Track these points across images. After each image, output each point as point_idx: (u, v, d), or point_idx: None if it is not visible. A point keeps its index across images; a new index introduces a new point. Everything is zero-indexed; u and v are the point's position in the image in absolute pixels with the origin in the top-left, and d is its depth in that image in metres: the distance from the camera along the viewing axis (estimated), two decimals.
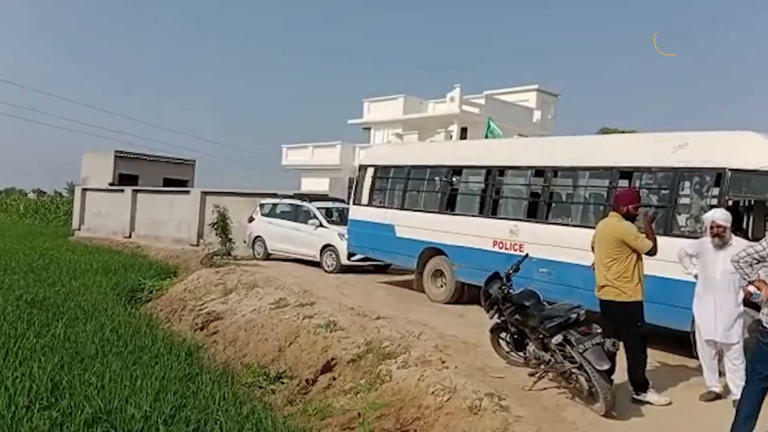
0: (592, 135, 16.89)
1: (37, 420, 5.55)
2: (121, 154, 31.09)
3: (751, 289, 5.33)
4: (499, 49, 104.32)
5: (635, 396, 5.78)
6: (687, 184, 7.56)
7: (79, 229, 28.33)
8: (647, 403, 5.73)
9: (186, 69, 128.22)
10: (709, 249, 5.81)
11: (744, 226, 7.90)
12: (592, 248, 6.15)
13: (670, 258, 6.30)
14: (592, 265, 6.12)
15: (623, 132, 28.93)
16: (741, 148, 6.97)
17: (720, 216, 5.76)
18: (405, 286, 12.26)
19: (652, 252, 5.68)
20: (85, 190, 29.09)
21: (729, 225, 5.72)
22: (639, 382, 5.78)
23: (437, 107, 33.78)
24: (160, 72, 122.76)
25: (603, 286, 5.80)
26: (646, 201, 7.59)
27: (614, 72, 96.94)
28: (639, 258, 5.73)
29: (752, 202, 8.08)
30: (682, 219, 7.56)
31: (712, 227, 5.74)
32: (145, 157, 32.31)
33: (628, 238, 5.66)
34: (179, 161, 34.16)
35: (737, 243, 5.73)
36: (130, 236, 24.92)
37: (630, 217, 5.85)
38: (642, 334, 5.77)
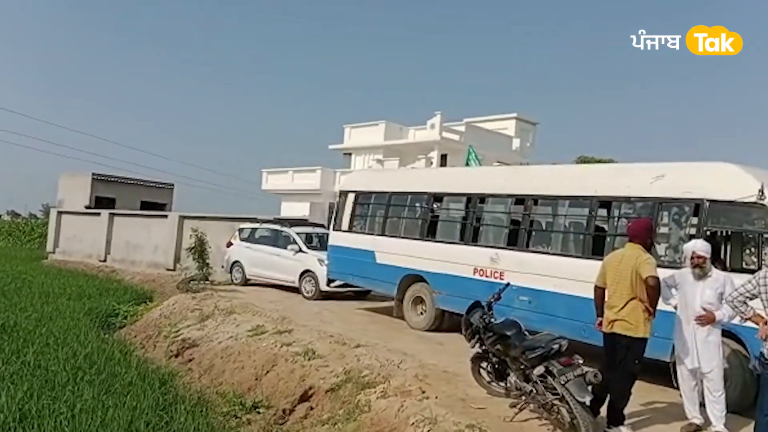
0: (570, 164, 17.12)
1: None
2: (99, 177, 30.77)
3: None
4: (479, 77, 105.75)
5: (607, 430, 5.69)
6: (666, 214, 7.62)
7: (53, 252, 27.86)
8: None
9: (165, 92, 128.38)
10: (689, 279, 5.83)
11: (722, 256, 7.99)
12: (596, 288, 5.90)
13: None
14: (599, 302, 5.87)
15: (600, 161, 29.35)
16: (719, 179, 7.06)
17: (700, 246, 5.80)
18: (385, 312, 12.17)
19: (651, 291, 5.47)
20: (60, 212, 28.68)
21: (708, 255, 5.76)
22: (616, 416, 5.70)
23: (418, 134, 34.02)
24: (138, 95, 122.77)
25: (614, 321, 5.63)
26: (624, 231, 7.62)
27: (592, 102, 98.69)
28: None
29: (730, 233, 8.17)
30: (661, 249, 7.60)
31: (692, 257, 5.77)
32: (122, 180, 32.04)
33: (641, 263, 5.50)
34: (157, 184, 33.93)
35: (716, 274, 5.78)
36: (105, 260, 24.55)
37: (648, 247, 5.78)
38: (636, 371, 5.69)
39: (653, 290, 5.45)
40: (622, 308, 5.58)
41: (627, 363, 5.60)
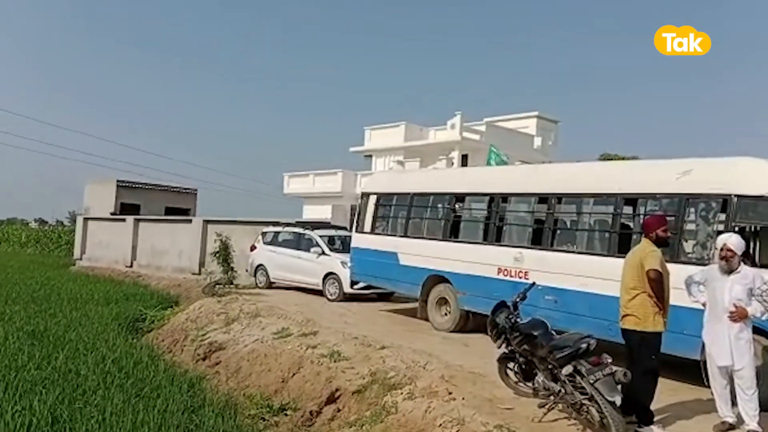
0: (593, 161, 16.95)
1: None
2: (123, 184, 31.17)
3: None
4: (500, 75, 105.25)
5: (638, 429, 5.63)
6: (692, 210, 7.52)
7: (80, 259, 28.27)
8: None
9: (186, 98, 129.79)
10: (717, 275, 5.74)
11: (751, 252, 7.84)
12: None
13: (678, 285, 6.21)
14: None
15: (624, 158, 29.03)
16: (747, 174, 6.96)
17: (733, 241, 5.69)
18: (409, 314, 12.15)
19: (652, 284, 5.49)
20: (86, 219, 29.09)
21: (740, 253, 5.65)
22: (645, 414, 5.64)
23: (438, 134, 33.93)
24: (160, 102, 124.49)
25: (624, 316, 5.66)
26: None
27: (614, 99, 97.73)
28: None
29: (759, 228, 8.03)
30: (688, 246, 7.50)
31: (722, 249, 5.68)
32: (147, 186, 32.41)
33: (645, 256, 5.55)
34: (181, 190, 34.22)
35: (745, 270, 5.68)
36: (131, 266, 24.84)
37: (661, 242, 5.77)
38: (654, 367, 5.63)
39: (654, 282, 5.48)
40: (630, 301, 5.59)
41: (642, 358, 5.56)
